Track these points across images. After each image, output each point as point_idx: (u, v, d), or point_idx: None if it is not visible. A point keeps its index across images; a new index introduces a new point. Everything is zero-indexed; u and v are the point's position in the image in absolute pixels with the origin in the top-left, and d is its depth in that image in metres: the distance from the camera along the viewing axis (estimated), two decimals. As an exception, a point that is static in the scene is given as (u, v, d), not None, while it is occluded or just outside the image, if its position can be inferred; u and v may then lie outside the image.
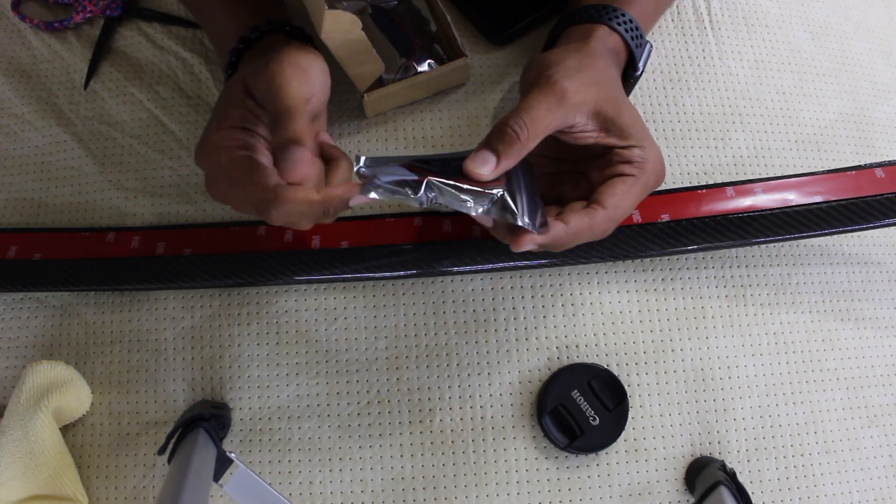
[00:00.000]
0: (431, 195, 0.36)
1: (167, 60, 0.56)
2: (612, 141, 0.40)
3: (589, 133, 0.40)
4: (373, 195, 0.36)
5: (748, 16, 0.59)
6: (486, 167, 0.37)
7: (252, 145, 0.40)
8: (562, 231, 0.37)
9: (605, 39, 0.45)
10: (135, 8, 0.57)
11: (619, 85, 0.44)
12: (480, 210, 0.36)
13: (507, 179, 0.38)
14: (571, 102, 0.38)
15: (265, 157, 0.40)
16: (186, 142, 0.54)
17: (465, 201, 0.36)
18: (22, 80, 0.57)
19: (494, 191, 0.37)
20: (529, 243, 0.37)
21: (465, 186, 0.37)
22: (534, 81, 0.40)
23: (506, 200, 0.37)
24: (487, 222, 0.40)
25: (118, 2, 0.57)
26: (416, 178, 0.36)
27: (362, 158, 0.38)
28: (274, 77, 0.38)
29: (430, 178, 0.36)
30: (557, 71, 0.39)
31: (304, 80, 0.39)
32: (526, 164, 0.41)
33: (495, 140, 0.37)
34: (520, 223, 0.36)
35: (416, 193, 0.36)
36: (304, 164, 0.36)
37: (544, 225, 0.38)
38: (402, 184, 0.36)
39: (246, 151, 0.39)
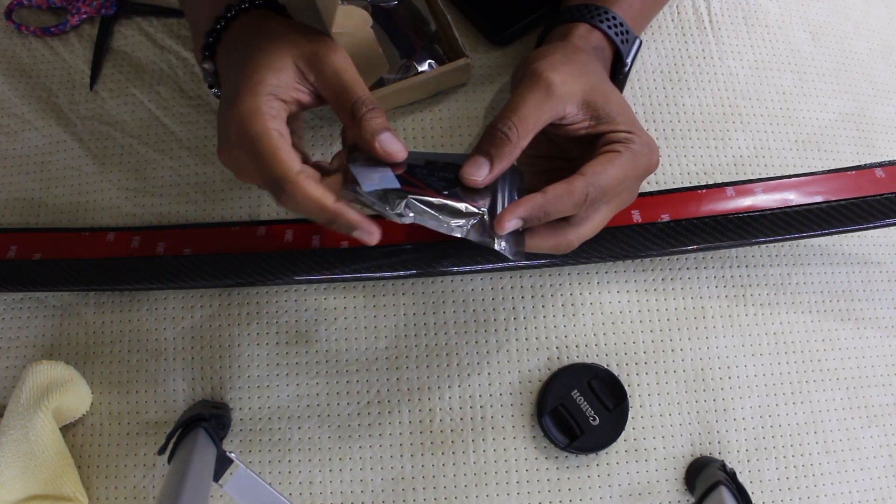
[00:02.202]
0: (410, 214, 0.36)
1: (168, 60, 0.56)
2: (602, 129, 0.40)
3: (580, 124, 0.40)
4: (347, 197, 0.37)
5: (748, 16, 0.59)
6: (480, 172, 0.37)
7: (283, 118, 0.39)
8: (539, 199, 0.37)
9: (585, 37, 0.45)
10: (129, 4, 0.57)
11: (605, 76, 0.44)
12: (459, 232, 0.36)
13: (493, 194, 0.38)
14: (559, 94, 0.38)
15: (288, 134, 0.39)
16: (187, 142, 0.54)
17: (444, 222, 0.37)
18: (22, 80, 0.57)
19: (477, 210, 0.37)
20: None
21: (448, 204, 0.37)
22: (521, 79, 0.40)
23: (485, 223, 0.37)
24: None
25: (112, 0, 0.57)
26: (398, 187, 0.37)
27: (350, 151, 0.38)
28: (345, 68, 0.38)
29: (410, 197, 0.36)
30: (542, 64, 0.39)
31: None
32: (516, 177, 0.41)
33: (486, 144, 0.37)
34: (496, 247, 0.37)
35: (393, 209, 0.36)
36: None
37: (520, 253, 0.38)
38: (384, 196, 0.36)
39: (278, 125, 0.38)
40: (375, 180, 0.37)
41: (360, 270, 0.47)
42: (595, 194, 0.38)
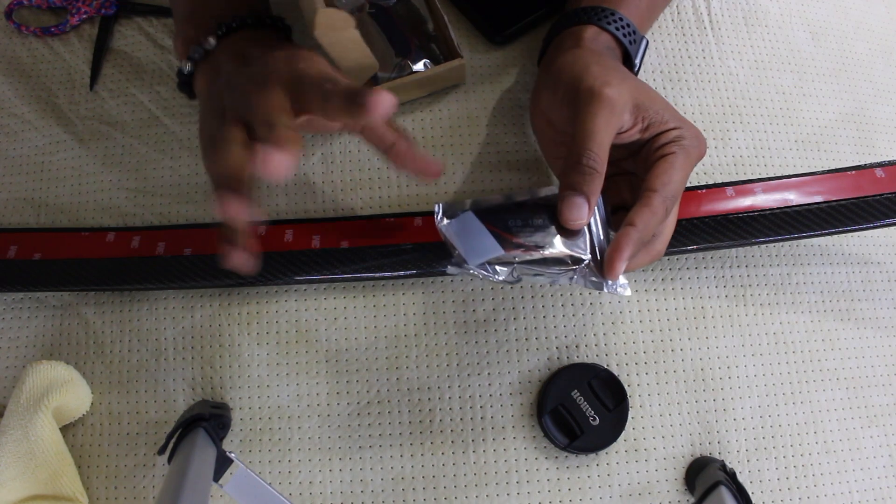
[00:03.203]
0: (515, 276, 0.38)
1: (168, 60, 0.56)
2: (652, 131, 0.40)
3: (632, 130, 0.40)
4: (454, 272, 0.38)
5: (748, 16, 0.59)
6: (581, 213, 0.37)
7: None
8: (634, 233, 0.37)
9: (595, 40, 0.45)
10: (129, 4, 0.57)
11: (635, 76, 0.44)
12: (568, 282, 0.38)
13: (590, 234, 0.39)
14: (619, 106, 0.38)
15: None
16: (187, 142, 0.54)
17: (551, 276, 0.38)
18: (22, 80, 0.57)
19: (581, 257, 0.38)
20: (620, 264, 0.37)
21: (553, 257, 0.38)
22: (572, 99, 0.40)
23: (592, 269, 0.38)
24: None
25: (112, 0, 0.57)
26: (501, 254, 0.37)
27: (440, 209, 0.40)
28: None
29: (517, 264, 0.38)
30: (593, 81, 0.39)
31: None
32: (600, 204, 0.41)
33: (577, 182, 0.37)
34: (607, 291, 0.37)
35: (504, 278, 0.38)
36: None
37: (623, 285, 0.38)
38: (490, 266, 0.38)
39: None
40: (478, 251, 0.38)
41: (360, 270, 0.47)
42: (671, 204, 0.39)
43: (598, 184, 0.37)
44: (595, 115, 0.38)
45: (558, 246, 0.38)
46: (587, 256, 0.38)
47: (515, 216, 0.39)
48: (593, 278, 0.38)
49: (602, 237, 0.40)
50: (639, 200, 0.38)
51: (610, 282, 0.38)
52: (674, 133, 0.40)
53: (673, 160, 0.39)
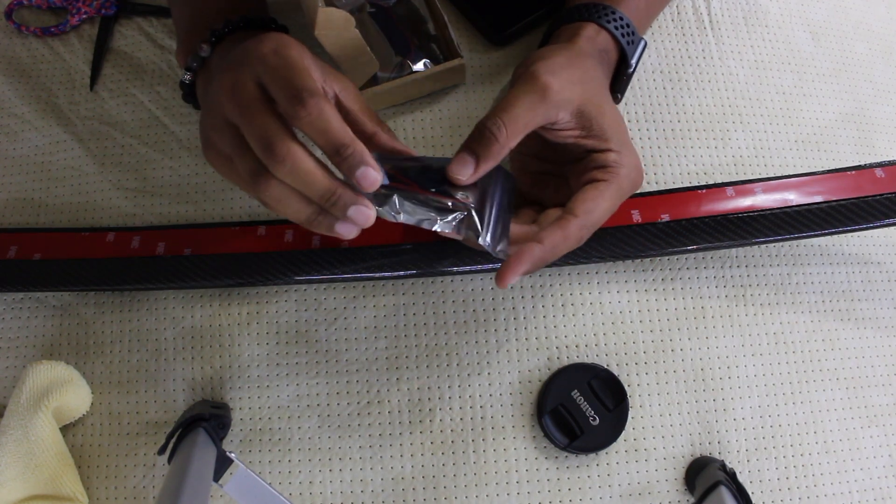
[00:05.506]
0: (397, 210, 0.37)
1: (168, 60, 0.56)
2: (590, 143, 0.40)
3: (569, 132, 0.40)
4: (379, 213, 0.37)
5: (748, 16, 0.59)
6: (465, 170, 0.37)
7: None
8: (538, 251, 0.37)
9: (592, 38, 0.45)
10: (129, 4, 0.57)
11: (605, 87, 0.43)
12: (447, 228, 0.37)
13: (482, 193, 0.38)
14: (554, 99, 0.38)
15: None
16: (187, 142, 0.54)
17: (430, 218, 0.37)
18: (22, 80, 0.57)
19: (463, 205, 0.37)
20: (512, 277, 0.37)
21: (435, 200, 0.37)
22: (518, 78, 0.40)
23: (472, 218, 0.37)
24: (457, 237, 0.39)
25: (112, 0, 0.57)
26: (386, 183, 0.37)
27: None
28: (287, 49, 0.35)
29: (396, 194, 0.36)
30: (542, 66, 0.39)
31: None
32: (505, 176, 0.40)
33: (473, 142, 0.37)
34: (480, 242, 0.37)
35: (381, 206, 0.36)
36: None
37: (503, 251, 0.38)
38: (376, 195, 0.36)
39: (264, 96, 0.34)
40: None
41: (360, 270, 0.47)
42: (587, 233, 0.38)
43: (493, 151, 0.36)
44: (521, 93, 0.37)
45: (444, 194, 0.37)
46: (471, 206, 0.37)
47: (415, 170, 0.39)
48: (472, 232, 0.37)
49: (495, 211, 0.39)
50: (556, 221, 0.38)
51: (487, 238, 0.37)
52: (612, 156, 0.39)
53: (603, 188, 0.38)
